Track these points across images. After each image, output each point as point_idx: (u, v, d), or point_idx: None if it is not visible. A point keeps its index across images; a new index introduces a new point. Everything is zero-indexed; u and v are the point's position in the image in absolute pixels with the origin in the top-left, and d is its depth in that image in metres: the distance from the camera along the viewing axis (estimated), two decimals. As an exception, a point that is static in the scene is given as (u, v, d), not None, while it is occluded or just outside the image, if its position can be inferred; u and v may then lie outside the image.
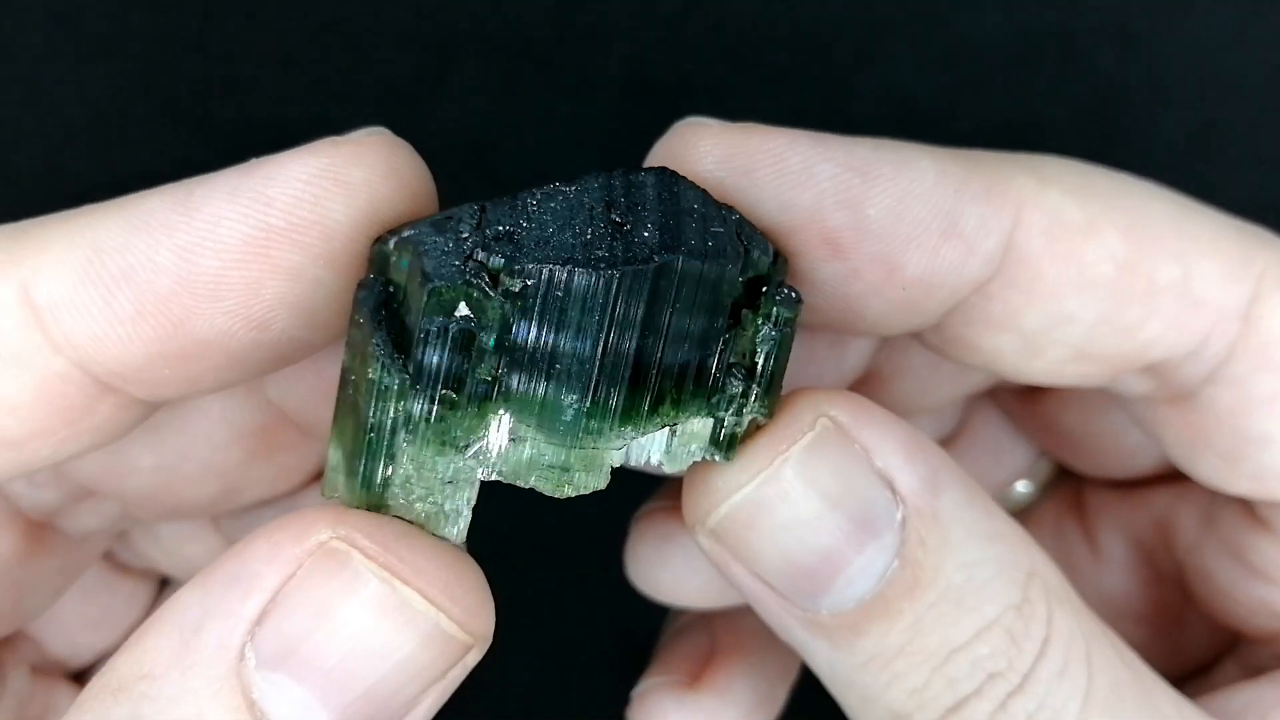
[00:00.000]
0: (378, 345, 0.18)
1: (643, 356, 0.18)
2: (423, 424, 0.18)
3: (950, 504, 0.19)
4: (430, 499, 0.19)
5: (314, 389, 0.24)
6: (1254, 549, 0.24)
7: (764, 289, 0.19)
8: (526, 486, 0.19)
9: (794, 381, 0.25)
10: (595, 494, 0.19)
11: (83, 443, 0.21)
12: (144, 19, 0.34)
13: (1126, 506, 0.28)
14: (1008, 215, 0.20)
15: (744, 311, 0.19)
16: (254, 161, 0.19)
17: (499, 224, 0.18)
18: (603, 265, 0.18)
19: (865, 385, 0.26)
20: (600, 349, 0.18)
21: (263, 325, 0.19)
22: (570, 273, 0.18)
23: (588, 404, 0.18)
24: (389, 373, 0.18)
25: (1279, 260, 0.22)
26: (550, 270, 0.18)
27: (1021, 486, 0.30)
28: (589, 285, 0.18)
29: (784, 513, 0.19)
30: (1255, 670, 0.25)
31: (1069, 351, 0.22)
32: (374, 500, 0.19)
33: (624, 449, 0.19)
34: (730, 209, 0.19)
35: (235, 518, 0.27)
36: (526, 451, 0.19)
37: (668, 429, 0.19)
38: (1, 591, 0.24)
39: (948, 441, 0.29)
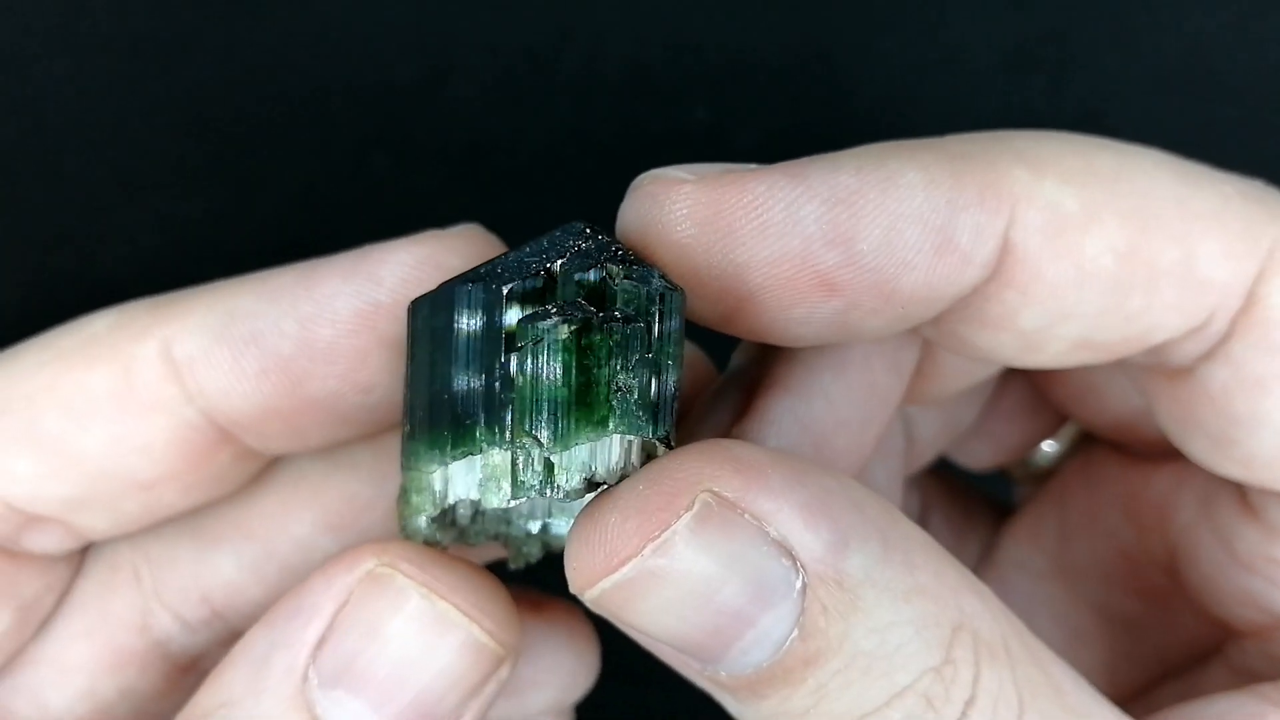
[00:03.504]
0: None
1: (434, 380, 0.19)
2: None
3: (860, 565, 0.18)
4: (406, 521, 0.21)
5: None
6: (1240, 537, 0.24)
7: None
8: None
9: (864, 413, 0.23)
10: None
11: (204, 491, 0.23)
12: (144, 19, 0.34)
13: (1133, 479, 0.27)
14: (1002, 217, 0.20)
15: None
16: (368, 248, 0.22)
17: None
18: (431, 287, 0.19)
19: (913, 381, 0.25)
20: (409, 372, 0.19)
21: (367, 389, 0.22)
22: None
23: (407, 426, 0.19)
24: None
25: None
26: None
27: (1047, 446, 0.29)
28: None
29: (662, 595, 0.18)
30: (1244, 672, 0.24)
31: (1069, 344, 0.21)
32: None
33: (442, 475, 0.19)
34: (596, 238, 0.19)
35: None
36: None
37: (478, 459, 0.19)
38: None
39: (982, 405, 0.28)
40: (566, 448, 0.18)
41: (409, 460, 0.19)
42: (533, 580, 0.21)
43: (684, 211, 0.19)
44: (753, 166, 0.20)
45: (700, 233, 0.19)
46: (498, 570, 0.22)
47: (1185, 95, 0.35)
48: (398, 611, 0.20)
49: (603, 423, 0.18)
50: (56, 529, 0.23)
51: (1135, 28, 0.35)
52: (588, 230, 0.19)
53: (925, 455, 0.28)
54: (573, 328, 0.18)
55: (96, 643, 0.24)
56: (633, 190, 0.20)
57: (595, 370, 0.18)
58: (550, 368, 0.18)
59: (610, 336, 0.18)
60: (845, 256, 0.19)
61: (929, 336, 0.22)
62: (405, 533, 0.21)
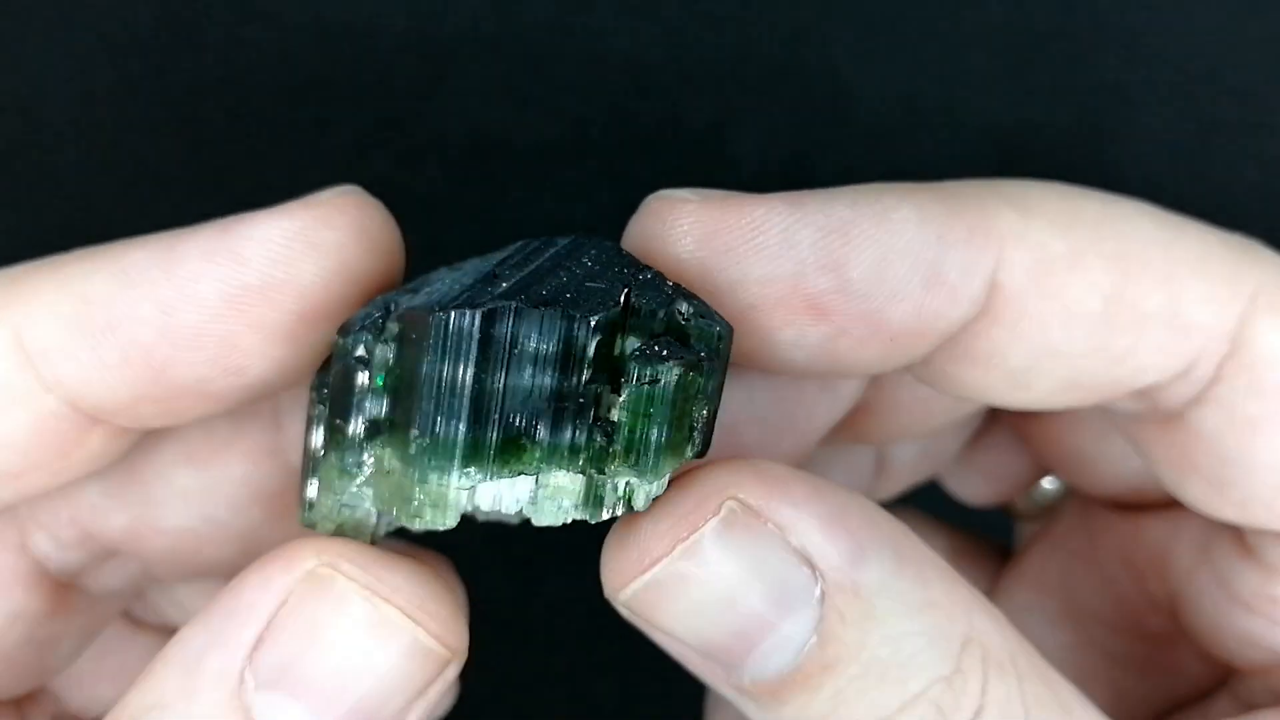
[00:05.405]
0: (314, 383, 0.21)
1: (480, 398, 0.18)
2: (323, 450, 0.20)
3: (875, 576, 0.19)
4: (332, 519, 0.21)
5: None
6: (1240, 579, 0.24)
7: (638, 348, 0.19)
8: (392, 519, 0.20)
9: (785, 421, 0.24)
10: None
11: (76, 471, 0.22)
12: (144, 18, 0.34)
13: (1128, 527, 0.28)
14: (991, 255, 0.20)
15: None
16: (231, 219, 0.20)
17: (419, 283, 0.20)
18: (436, 308, 0.18)
19: (857, 417, 0.26)
20: (433, 386, 0.19)
21: (239, 372, 0.21)
22: (415, 315, 0.19)
23: (425, 439, 0.19)
24: (313, 404, 0.21)
25: (1270, 279, 0.21)
26: (406, 313, 0.19)
27: (1047, 484, 0.30)
28: (423, 327, 0.19)
29: (690, 597, 0.19)
30: (1248, 706, 0.24)
31: (1057, 383, 0.22)
32: (307, 520, 0.21)
33: (473, 490, 0.19)
34: (648, 270, 0.19)
35: None
36: (395, 482, 0.20)
37: (531, 479, 0.19)
38: (27, 649, 0.25)
39: (972, 441, 0.29)
40: (659, 477, 0.19)
41: (421, 474, 0.19)
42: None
43: (686, 228, 0.20)
44: (755, 195, 0.20)
45: (699, 249, 0.20)
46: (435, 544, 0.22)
47: (1185, 95, 0.35)
48: (339, 614, 0.19)
49: (683, 452, 0.19)
50: None
51: (1135, 28, 0.35)
52: (626, 254, 0.20)
53: (900, 483, 0.29)
54: (684, 368, 0.19)
55: None
56: (641, 209, 0.21)
57: (686, 405, 0.19)
58: (659, 405, 0.19)
59: (702, 375, 0.19)
60: (836, 282, 0.20)
61: (919, 377, 0.23)
62: (317, 522, 0.20)
